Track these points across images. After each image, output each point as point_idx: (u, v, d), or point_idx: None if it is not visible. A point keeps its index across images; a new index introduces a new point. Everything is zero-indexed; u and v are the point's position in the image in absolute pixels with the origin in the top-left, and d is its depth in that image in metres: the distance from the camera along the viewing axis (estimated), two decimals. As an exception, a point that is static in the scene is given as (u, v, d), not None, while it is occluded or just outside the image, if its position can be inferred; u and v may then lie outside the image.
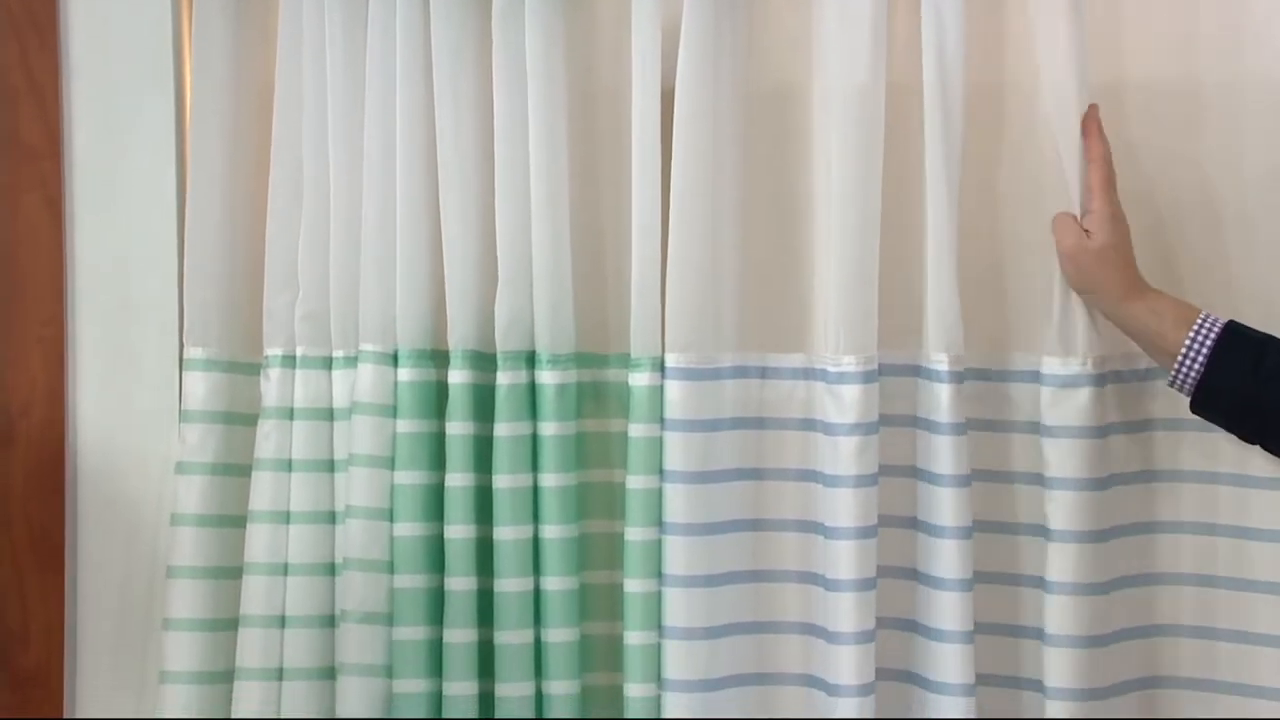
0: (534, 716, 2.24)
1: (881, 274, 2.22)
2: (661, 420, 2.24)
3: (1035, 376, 2.23)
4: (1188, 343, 2.09)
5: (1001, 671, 2.28)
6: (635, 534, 2.24)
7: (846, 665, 2.21)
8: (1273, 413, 2.08)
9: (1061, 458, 2.20)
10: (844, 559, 2.21)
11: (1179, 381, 2.11)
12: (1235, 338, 2.10)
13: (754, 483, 2.28)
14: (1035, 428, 2.23)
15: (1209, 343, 2.09)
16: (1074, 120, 2.17)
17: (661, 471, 2.24)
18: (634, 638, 2.24)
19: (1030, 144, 2.23)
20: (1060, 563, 2.20)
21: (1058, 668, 2.21)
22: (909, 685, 2.27)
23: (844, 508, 2.21)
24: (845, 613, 2.21)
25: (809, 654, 2.28)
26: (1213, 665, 2.28)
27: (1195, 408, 2.12)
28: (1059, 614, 2.20)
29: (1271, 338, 2.10)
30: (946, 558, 2.20)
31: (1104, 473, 2.23)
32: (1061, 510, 2.20)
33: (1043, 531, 2.22)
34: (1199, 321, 2.10)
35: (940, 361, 2.21)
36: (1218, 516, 2.27)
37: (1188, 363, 2.10)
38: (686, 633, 2.23)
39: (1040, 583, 2.22)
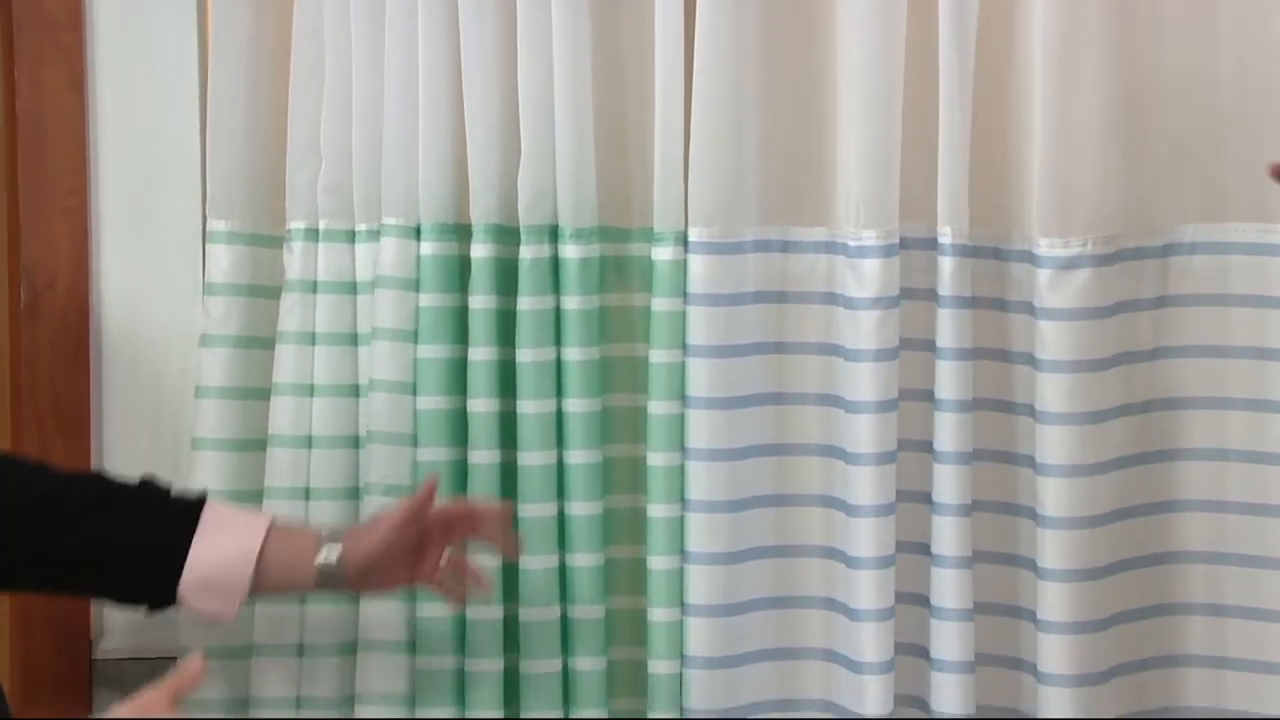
0: (558, 589, 2.26)
1: (905, 148, 2.22)
2: (684, 294, 2.24)
3: (1031, 257, 2.22)
4: None
5: (1001, 549, 2.30)
6: (658, 408, 2.25)
7: (865, 538, 2.23)
8: None
9: (1058, 340, 2.20)
10: (864, 433, 2.23)
11: None
12: None
13: (776, 356, 2.29)
14: (1032, 309, 2.23)
15: None
16: None
17: (684, 346, 2.24)
18: (657, 510, 2.25)
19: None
20: (1053, 448, 2.21)
21: (1055, 550, 2.23)
22: (922, 557, 2.27)
23: (864, 381, 2.22)
24: (865, 487, 2.23)
25: (830, 529, 2.29)
26: (1223, 539, 2.29)
27: None
28: (1054, 496, 2.22)
29: None
30: (946, 431, 2.22)
31: (1108, 353, 2.23)
32: (1054, 393, 2.21)
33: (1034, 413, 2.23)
34: None
35: (944, 235, 2.21)
36: (1227, 390, 2.28)
37: None
38: (709, 505, 2.24)
39: (1032, 464, 2.24)
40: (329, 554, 2.04)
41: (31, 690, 2.35)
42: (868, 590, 2.23)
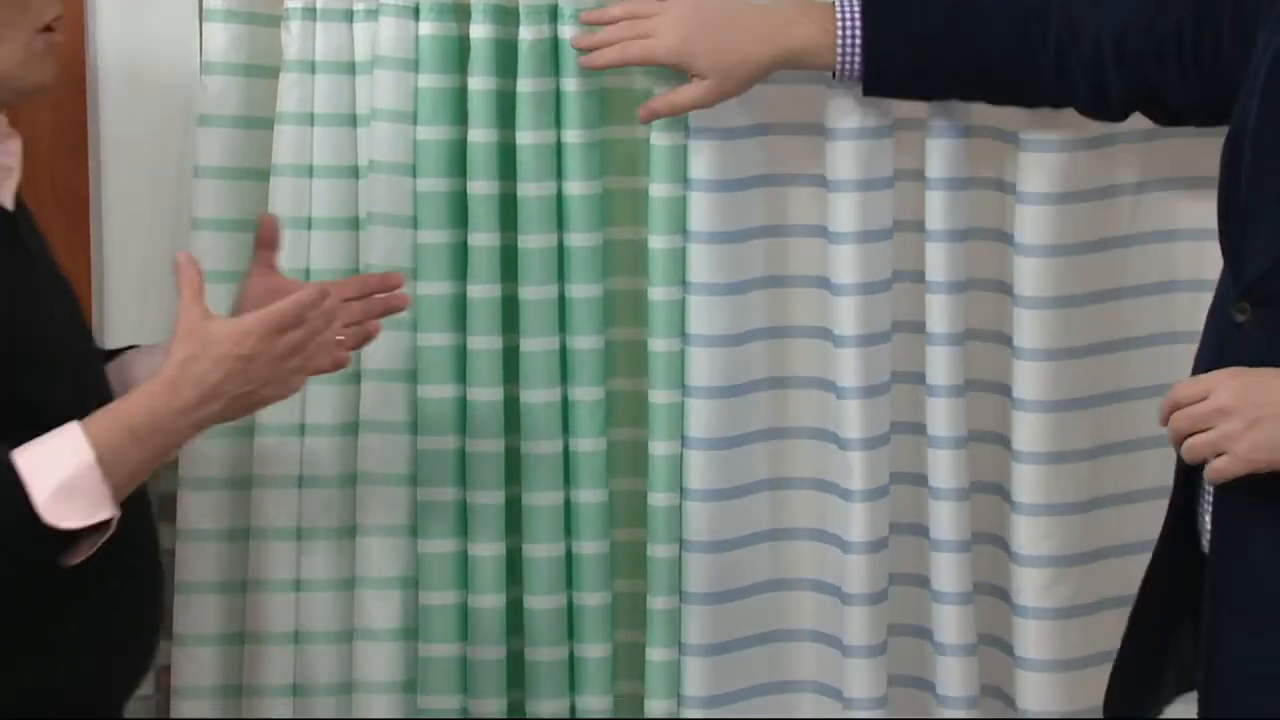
0: (560, 419, 2.30)
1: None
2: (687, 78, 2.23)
3: None
4: (840, 42, 2.14)
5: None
6: (660, 190, 2.26)
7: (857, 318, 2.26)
8: (946, 69, 2.15)
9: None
10: (845, 212, 2.25)
11: (844, 74, 2.17)
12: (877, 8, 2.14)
13: (765, 138, 2.30)
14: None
15: (858, 31, 2.14)
16: None
17: (687, 129, 2.24)
18: (657, 293, 2.27)
19: None
20: (1033, 225, 2.23)
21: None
22: (917, 385, 2.31)
23: (842, 161, 2.24)
24: (846, 264, 2.25)
25: (821, 307, 2.31)
26: None
27: (869, 91, 2.18)
28: (1030, 275, 2.24)
29: None
30: (935, 209, 2.25)
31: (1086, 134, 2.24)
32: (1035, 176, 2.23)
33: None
34: (838, 16, 2.14)
35: None
36: None
37: (847, 58, 2.15)
38: (709, 289, 2.26)
39: (1010, 241, 2.26)
40: None
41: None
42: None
